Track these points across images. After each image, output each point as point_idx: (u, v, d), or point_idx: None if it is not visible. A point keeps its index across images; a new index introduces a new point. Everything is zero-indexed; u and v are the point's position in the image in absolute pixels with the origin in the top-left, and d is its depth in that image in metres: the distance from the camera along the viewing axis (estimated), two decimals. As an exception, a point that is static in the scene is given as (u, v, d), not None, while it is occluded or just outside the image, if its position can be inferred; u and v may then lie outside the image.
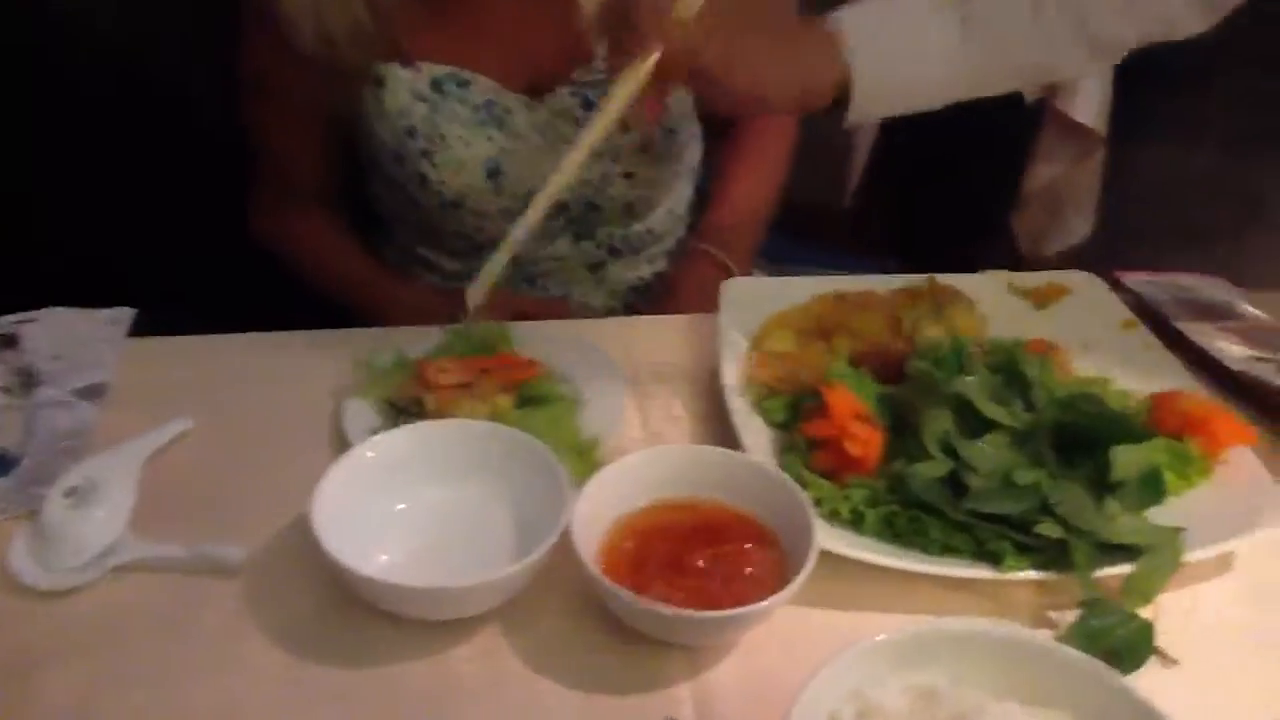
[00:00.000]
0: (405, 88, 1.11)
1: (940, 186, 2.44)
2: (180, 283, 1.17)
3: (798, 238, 1.60)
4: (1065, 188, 2.27)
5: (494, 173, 1.13)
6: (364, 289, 1.22)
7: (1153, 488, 0.77)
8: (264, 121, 1.21)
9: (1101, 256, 2.32)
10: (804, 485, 0.79)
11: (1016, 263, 2.33)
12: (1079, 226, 2.28)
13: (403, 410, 0.88)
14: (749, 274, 1.30)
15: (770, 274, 1.39)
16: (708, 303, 1.05)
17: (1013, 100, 2.27)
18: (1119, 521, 0.75)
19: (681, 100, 1.21)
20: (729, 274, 1.25)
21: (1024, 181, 2.30)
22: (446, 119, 1.12)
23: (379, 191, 1.26)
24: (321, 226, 1.27)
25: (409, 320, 1.13)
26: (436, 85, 1.11)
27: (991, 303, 1.00)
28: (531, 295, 1.25)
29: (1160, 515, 0.78)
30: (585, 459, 0.83)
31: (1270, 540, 0.77)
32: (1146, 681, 0.71)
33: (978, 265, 2.10)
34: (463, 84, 1.12)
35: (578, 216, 1.21)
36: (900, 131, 2.35)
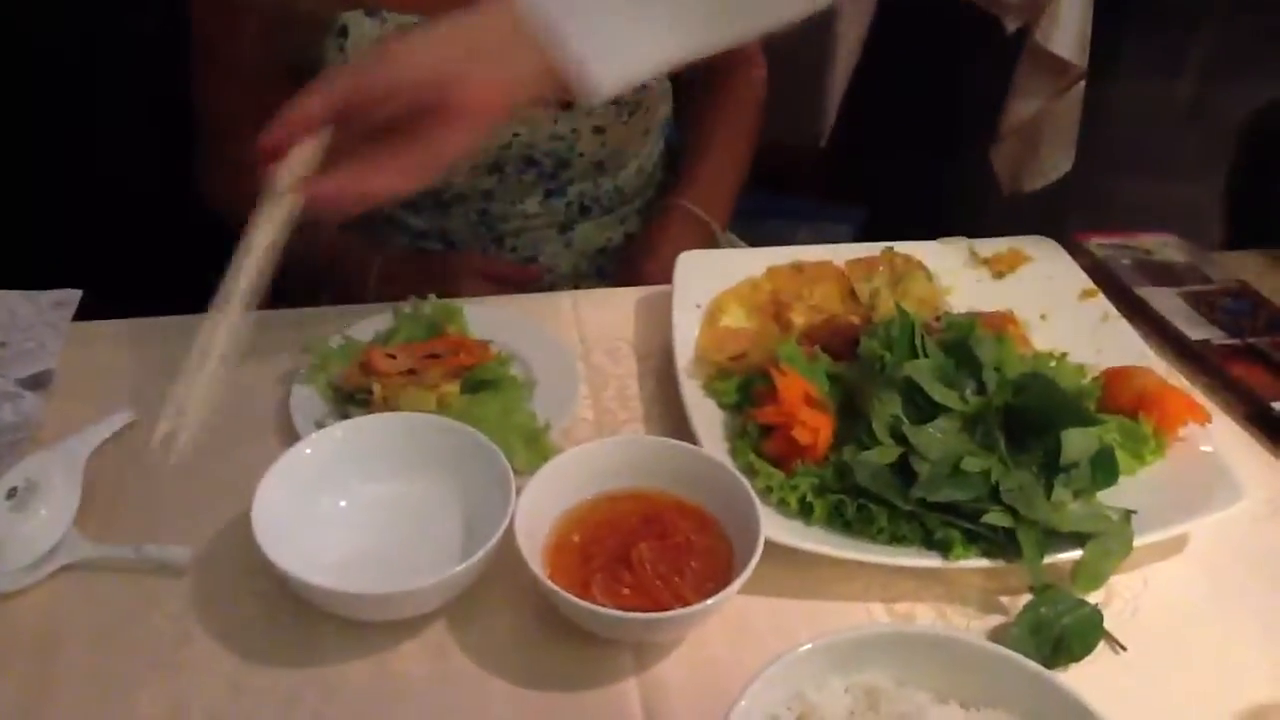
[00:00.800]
0: (370, 37, 1.08)
1: (918, 122, 2.40)
2: (127, 261, 1.15)
3: (773, 187, 1.58)
4: (1045, 122, 2.23)
5: None
6: (330, 256, 1.20)
7: (1104, 471, 0.76)
8: (217, 87, 1.18)
9: (1080, 192, 2.30)
10: (754, 473, 0.79)
11: (996, 197, 2.31)
12: (1060, 161, 2.25)
13: (351, 397, 0.87)
14: (726, 230, 1.28)
15: (742, 230, 1.37)
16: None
17: (990, 34, 2.23)
18: (1068, 509, 0.75)
19: None
20: (709, 231, 1.23)
21: (1002, 116, 2.27)
22: None
23: None
24: None
25: (379, 286, 1.12)
26: (403, 30, 1.08)
27: (950, 272, 0.99)
28: (502, 258, 1.23)
29: (1113, 496, 0.78)
30: (535, 447, 0.82)
31: (1223, 522, 0.77)
32: (1096, 668, 0.71)
33: (957, 204, 2.08)
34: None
35: (548, 172, 1.19)
36: (875, 70, 2.31)
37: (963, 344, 0.82)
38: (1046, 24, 2.09)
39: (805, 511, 0.77)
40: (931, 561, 0.74)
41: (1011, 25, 2.30)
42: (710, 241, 1.23)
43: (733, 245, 1.34)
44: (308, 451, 0.77)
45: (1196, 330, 0.95)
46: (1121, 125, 2.54)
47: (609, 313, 1.01)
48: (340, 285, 1.17)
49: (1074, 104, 2.20)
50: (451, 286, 1.06)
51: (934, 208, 1.35)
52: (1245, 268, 1.05)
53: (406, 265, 1.18)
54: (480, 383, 0.87)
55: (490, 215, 1.21)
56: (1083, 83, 2.16)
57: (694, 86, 1.33)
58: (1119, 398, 0.83)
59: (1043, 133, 2.26)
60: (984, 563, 0.74)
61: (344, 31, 1.08)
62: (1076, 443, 0.76)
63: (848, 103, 2.41)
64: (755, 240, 1.35)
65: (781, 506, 0.78)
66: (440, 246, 1.23)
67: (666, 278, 1.00)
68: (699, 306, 0.95)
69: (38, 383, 0.92)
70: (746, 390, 0.86)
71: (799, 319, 0.93)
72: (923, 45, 2.45)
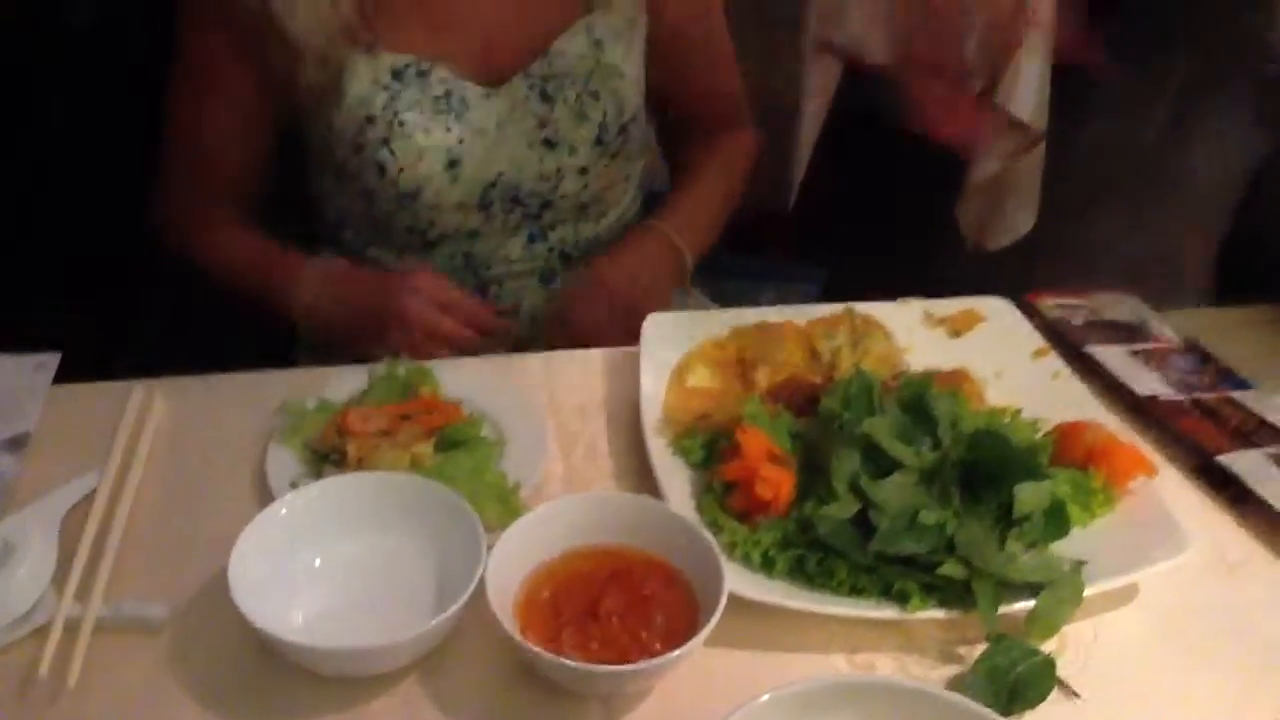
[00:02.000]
0: (366, 76, 1.11)
1: (885, 182, 2.46)
2: (108, 323, 1.17)
3: (741, 248, 1.61)
4: (1007, 181, 2.30)
5: (452, 163, 1.14)
6: (266, 269, 1.20)
7: (1055, 523, 0.79)
8: (196, 111, 1.20)
9: (1045, 252, 2.35)
10: (719, 528, 0.81)
11: (964, 256, 2.37)
12: (1022, 220, 2.31)
13: (326, 457, 0.89)
14: (691, 271, 1.30)
15: (711, 289, 1.41)
16: (647, 273, 1.14)
17: (952, 101, 2.30)
18: (1020, 560, 0.77)
19: (632, 99, 1.22)
20: (679, 256, 1.25)
21: (966, 175, 2.33)
22: (406, 107, 1.12)
23: (327, 189, 1.25)
24: (226, 217, 1.24)
25: (309, 298, 1.14)
26: (397, 74, 1.12)
27: (908, 332, 1.02)
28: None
29: (1065, 547, 0.81)
30: (507, 504, 0.84)
31: (1171, 571, 0.80)
32: (1052, 714, 0.74)
33: (923, 261, 2.12)
34: (422, 73, 1.13)
35: (533, 213, 1.22)
36: (841, 134, 2.36)
37: (919, 401, 0.85)
38: (1007, 85, 2.15)
39: (768, 565, 0.80)
40: (890, 613, 0.77)
41: (973, 88, 2.37)
42: (679, 268, 1.25)
43: (700, 301, 1.37)
44: (283, 511, 0.79)
45: (1145, 386, 0.99)
46: (1086, 179, 2.61)
47: (579, 373, 1.03)
48: (263, 295, 1.19)
49: (1035, 164, 2.27)
50: (394, 305, 1.08)
51: (897, 268, 1.39)
52: (1194, 325, 1.09)
53: (342, 278, 1.18)
54: (452, 442, 0.89)
55: (474, 259, 1.23)
56: (1043, 144, 2.22)
57: (686, 143, 1.38)
58: (1070, 452, 0.86)
59: (1005, 192, 2.32)
60: (941, 613, 0.77)
61: (340, 69, 1.12)
62: (1028, 496, 0.79)
63: (814, 167, 2.46)
64: (723, 300, 1.38)
65: (745, 560, 0.80)
66: None
67: (621, 287, 1.08)
68: (666, 365, 0.98)
69: (14, 445, 0.94)
70: (712, 447, 0.88)
71: (763, 378, 0.96)
72: (888, 108, 2.52)
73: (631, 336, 1.01)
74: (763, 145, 1.44)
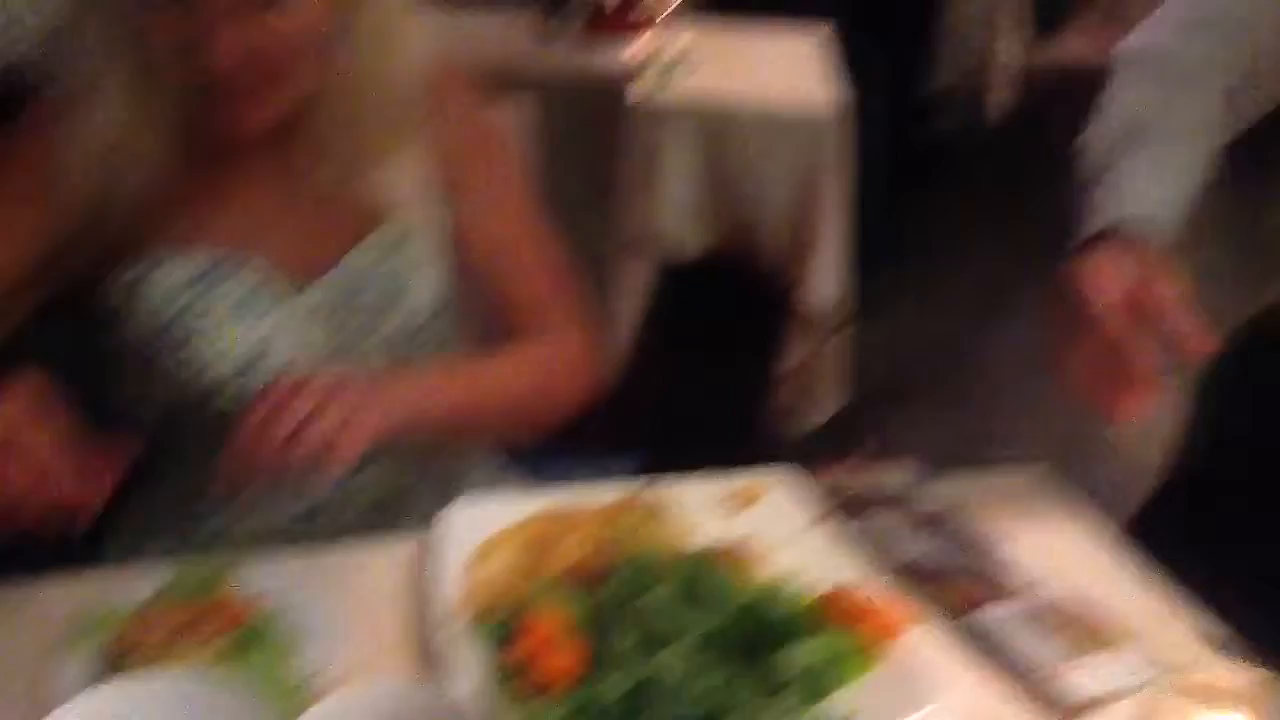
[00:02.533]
0: (167, 275, 1.12)
1: (699, 370, 2.60)
2: None
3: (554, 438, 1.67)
4: (814, 366, 2.45)
5: (253, 361, 1.14)
6: None
7: (815, 683, 0.85)
8: None
9: (857, 426, 2.50)
10: (506, 712, 0.84)
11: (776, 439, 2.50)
12: (829, 403, 2.46)
13: (116, 666, 0.88)
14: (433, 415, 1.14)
15: (528, 471, 1.44)
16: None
17: (760, 295, 2.47)
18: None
19: (426, 303, 1.22)
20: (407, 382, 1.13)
21: (776, 365, 2.48)
22: (208, 307, 1.13)
23: (122, 392, 1.22)
24: None
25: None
26: (201, 274, 1.13)
27: (697, 509, 1.09)
28: None
29: (836, 703, 0.87)
30: (295, 699, 0.85)
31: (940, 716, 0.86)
32: None
33: (738, 445, 2.21)
34: (226, 275, 1.14)
35: None
36: (658, 327, 2.49)
37: (696, 574, 0.92)
38: (809, 277, 2.34)
39: (554, 744, 0.82)
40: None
41: (772, 288, 2.55)
42: (414, 402, 1.10)
43: (518, 480, 1.39)
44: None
45: (911, 549, 1.07)
46: (890, 359, 2.81)
47: (385, 561, 1.06)
48: None
49: (839, 351, 2.44)
50: None
51: (711, 447, 1.48)
52: (960, 492, 1.19)
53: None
54: (246, 638, 0.90)
55: None
56: (846, 331, 2.40)
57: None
58: (838, 614, 0.93)
59: (814, 379, 2.47)
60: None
61: (140, 269, 1.12)
62: (792, 658, 0.85)
63: (634, 354, 2.54)
64: (540, 478, 1.41)
65: (532, 741, 0.83)
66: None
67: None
68: (464, 553, 1.02)
69: None
70: (506, 629, 0.92)
71: (558, 561, 1.01)
72: (693, 306, 2.67)
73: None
74: (596, 351, 1.35)
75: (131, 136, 1.08)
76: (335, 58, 1.11)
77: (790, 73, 2.71)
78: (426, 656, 0.95)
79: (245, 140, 1.13)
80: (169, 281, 1.13)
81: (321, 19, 1.07)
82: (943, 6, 4.13)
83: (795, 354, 2.44)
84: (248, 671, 0.85)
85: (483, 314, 1.35)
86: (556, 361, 1.29)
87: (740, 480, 1.15)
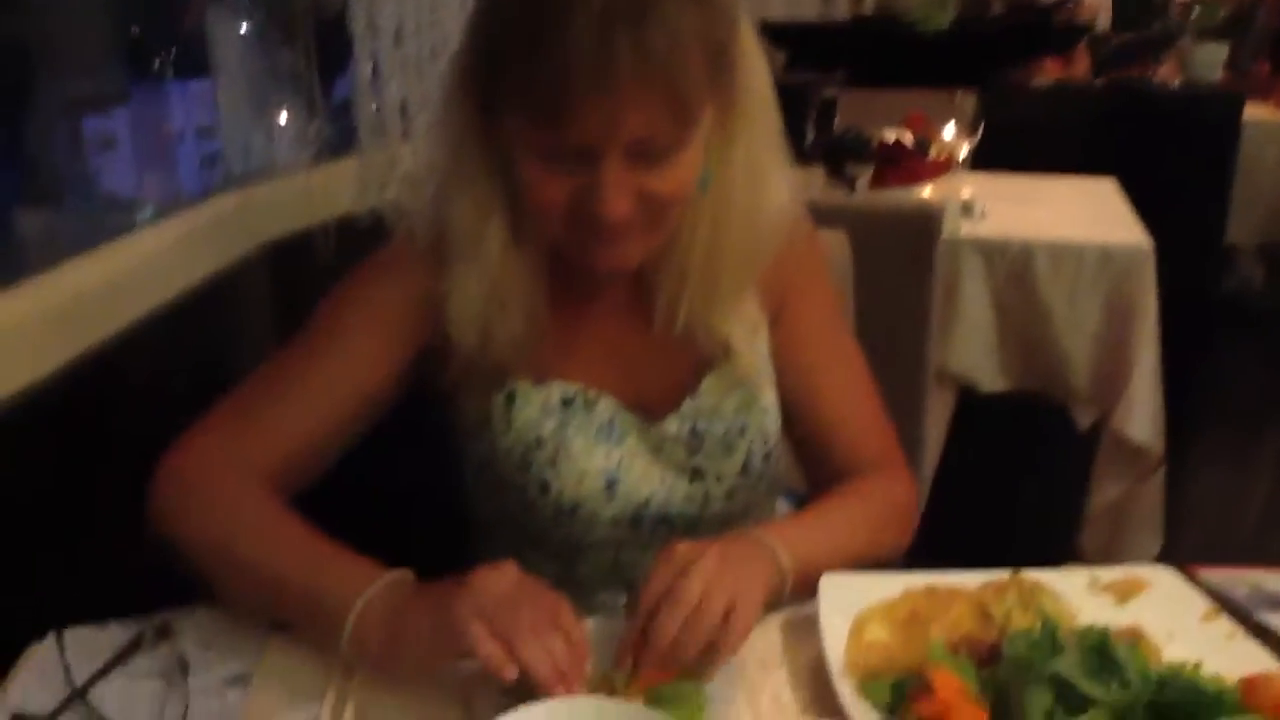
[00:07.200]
0: (536, 402, 1.22)
1: (1004, 511, 2.52)
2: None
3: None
4: (1129, 507, 2.34)
5: (611, 483, 1.23)
6: (319, 565, 1.03)
7: (1254, 762, 0.80)
8: (303, 369, 1.18)
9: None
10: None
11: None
12: (1148, 544, 2.33)
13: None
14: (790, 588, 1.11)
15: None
16: (731, 562, 1.01)
17: (1068, 424, 2.40)
18: (1228, 796, 0.78)
19: (774, 429, 1.28)
20: (771, 559, 1.08)
21: (1087, 501, 2.38)
22: (573, 432, 1.21)
23: (481, 496, 1.32)
24: (264, 495, 1.09)
25: (367, 613, 0.97)
26: (565, 401, 1.22)
27: (1073, 598, 1.06)
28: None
29: (1267, 795, 0.81)
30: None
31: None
32: None
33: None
34: (589, 402, 1.23)
35: (680, 530, 1.27)
36: (960, 462, 2.45)
37: (1102, 646, 0.89)
38: (1123, 412, 2.25)
39: (971, 798, 0.81)
40: (1102, 847, 0.77)
41: (1083, 422, 2.48)
42: (771, 570, 1.08)
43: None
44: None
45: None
46: (1203, 511, 2.64)
47: (755, 632, 1.07)
48: (301, 594, 1.02)
49: (1156, 488, 2.32)
50: (454, 605, 0.94)
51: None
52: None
53: (411, 589, 1.01)
54: (660, 696, 0.94)
55: (622, 564, 1.30)
56: (1163, 468, 2.29)
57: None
58: (1259, 702, 0.88)
59: (1129, 517, 2.36)
60: None
61: (511, 397, 1.22)
62: (1225, 735, 0.81)
63: (930, 506, 2.52)
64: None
65: (948, 795, 0.82)
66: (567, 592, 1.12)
67: (696, 554, 1.00)
68: (843, 622, 1.03)
69: (239, 681, 1.01)
70: (900, 691, 0.92)
71: (937, 636, 1.00)
72: (1000, 439, 2.62)
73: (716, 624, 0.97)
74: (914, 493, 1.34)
75: (507, 284, 1.17)
76: (703, 204, 1.16)
77: (1092, 213, 2.69)
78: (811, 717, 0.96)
79: (608, 280, 1.23)
80: (535, 407, 1.22)
81: (698, 168, 1.12)
82: (1238, 159, 4.01)
83: (1106, 492, 2.34)
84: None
85: (796, 452, 1.36)
86: (892, 502, 1.29)
87: (1116, 572, 1.11)
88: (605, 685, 0.95)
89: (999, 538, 2.52)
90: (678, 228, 1.16)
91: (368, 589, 0.98)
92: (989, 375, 2.42)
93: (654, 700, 0.94)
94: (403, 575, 1.01)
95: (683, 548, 1.02)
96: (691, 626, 0.96)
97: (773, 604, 1.07)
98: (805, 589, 1.10)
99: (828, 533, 1.19)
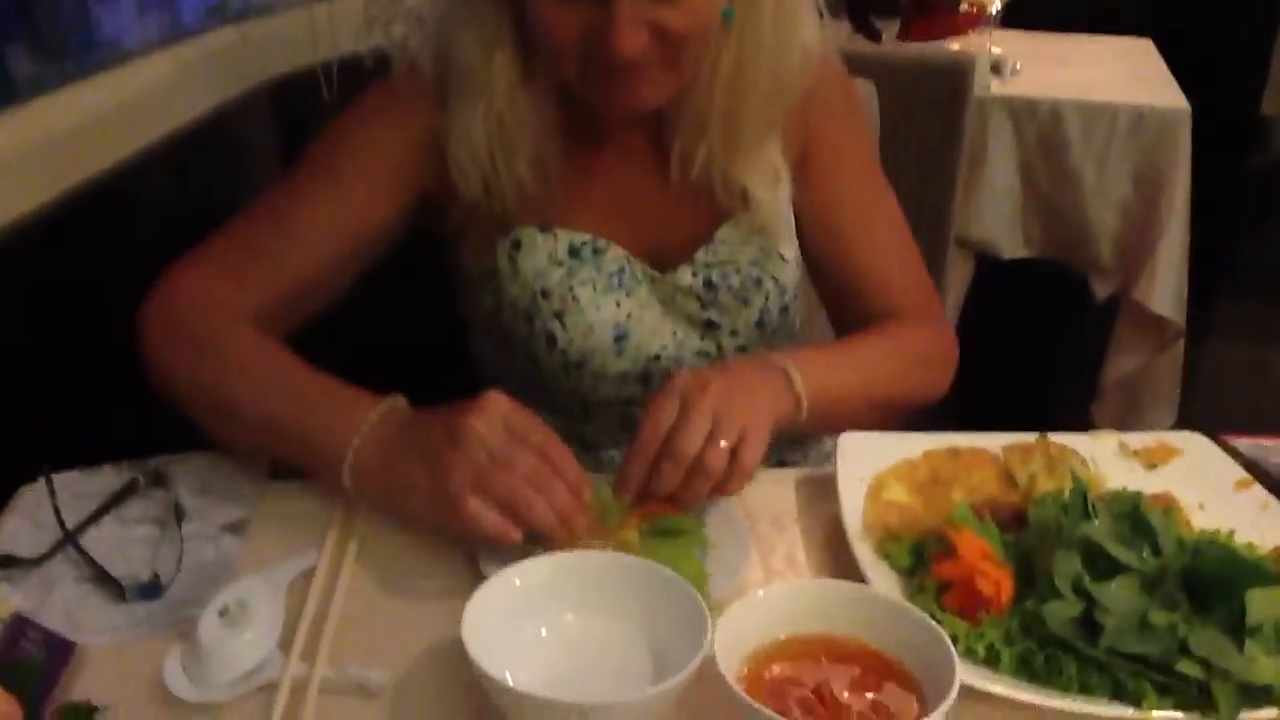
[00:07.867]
0: (543, 251, 1.16)
1: (1018, 378, 2.48)
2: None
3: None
4: (1144, 379, 2.30)
5: (619, 337, 1.18)
6: (315, 401, 0.99)
7: (1283, 634, 0.77)
8: (303, 201, 1.13)
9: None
10: (938, 623, 0.80)
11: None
12: (1160, 418, 2.30)
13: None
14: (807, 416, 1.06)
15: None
16: (740, 381, 0.99)
17: (1087, 292, 2.34)
18: (1261, 663, 0.75)
19: (792, 279, 1.24)
20: (784, 381, 1.04)
21: (1101, 373, 2.34)
22: (580, 283, 1.16)
23: (486, 349, 1.29)
24: (252, 331, 1.04)
25: (364, 447, 0.94)
26: (573, 251, 1.17)
27: (1102, 463, 1.03)
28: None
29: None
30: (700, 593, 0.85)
31: None
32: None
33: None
34: (598, 251, 1.17)
35: None
36: (974, 329, 2.41)
37: (1134, 512, 0.85)
38: (1145, 283, 2.19)
39: (992, 660, 0.78)
40: (1124, 711, 0.75)
41: (1102, 292, 2.42)
42: (783, 393, 1.04)
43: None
44: (516, 582, 0.81)
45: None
46: (1220, 386, 2.60)
47: (770, 490, 1.05)
48: (299, 431, 0.98)
49: (1174, 361, 2.27)
50: (456, 428, 0.90)
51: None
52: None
53: (408, 417, 0.97)
54: (661, 530, 0.91)
55: (630, 422, 1.25)
56: (1182, 340, 2.24)
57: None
58: (1295, 570, 0.85)
59: (1142, 389, 2.32)
60: (1177, 715, 0.74)
61: (518, 244, 1.17)
62: (1261, 603, 0.77)
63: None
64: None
65: (968, 655, 0.79)
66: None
67: (702, 380, 0.96)
68: (861, 482, 0.99)
69: (235, 528, 0.98)
70: (919, 553, 0.89)
71: (960, 498, 0.97)
72: (1018, 308, 2.57)
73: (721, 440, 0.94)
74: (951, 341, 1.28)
75: (513, 125, 1.11)
76: (726, 43, 1.08)
77: (1127, 74, 2.58)
78: (827, 576, 0.93)
79: (623, 125, 1.16)
80: (542, 256, 1.16)
81: (717, 7, 1.05)
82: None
83: (1122, 364, 2.29)
84: (658, 559, 0.85)
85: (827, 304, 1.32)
86: (927, 345, 1.25)
87: (1147, 437, 1.07)
88: (603, 519, 0.92)
89: (1011, 407, 2.50)
90: (697, 71, 1.09)
91: (361, 427, 0.95)
92: (1010, 242, 2.35)
93: (654, 532, 0.92)
94: (393, 406, 0.97)
95: (686, 379, 0.97)
96: (693, 478, 0.93)
97: (787, 430, 1.03)
98: (826, 421, 1.08)
99: (852, 362, 1.15)
